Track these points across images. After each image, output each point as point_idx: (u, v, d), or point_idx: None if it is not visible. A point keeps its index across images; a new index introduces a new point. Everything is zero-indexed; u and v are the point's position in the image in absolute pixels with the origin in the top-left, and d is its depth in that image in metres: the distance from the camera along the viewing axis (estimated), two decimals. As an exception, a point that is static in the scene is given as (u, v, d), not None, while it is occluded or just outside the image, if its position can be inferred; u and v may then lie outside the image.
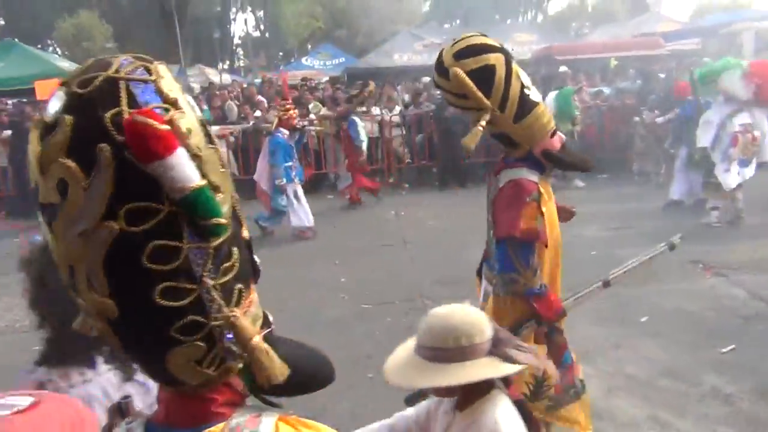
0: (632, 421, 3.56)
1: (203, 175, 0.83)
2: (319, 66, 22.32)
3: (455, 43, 2.47)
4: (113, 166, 0.77)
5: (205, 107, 11.60)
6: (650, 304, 5.21)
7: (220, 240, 0.87)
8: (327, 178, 11.72)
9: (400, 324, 5.16)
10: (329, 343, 4.82)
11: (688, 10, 33.94)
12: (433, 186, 11.15)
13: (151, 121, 0.76)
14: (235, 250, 0.90)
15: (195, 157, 0.82)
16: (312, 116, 11.28)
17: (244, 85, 15.87)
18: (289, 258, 7.29)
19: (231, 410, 0.94)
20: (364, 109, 10.45)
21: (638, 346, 4.48)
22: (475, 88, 2.37)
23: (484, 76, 2.39)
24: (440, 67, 2.46)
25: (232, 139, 10.86)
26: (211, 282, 0.86)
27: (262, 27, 34.55)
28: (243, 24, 36.03)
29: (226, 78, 23.30)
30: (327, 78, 19.81)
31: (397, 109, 11.80)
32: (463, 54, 2.41)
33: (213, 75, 23.66)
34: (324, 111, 11.40)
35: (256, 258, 1.01)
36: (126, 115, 0.77)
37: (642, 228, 7.49)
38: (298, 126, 8.26)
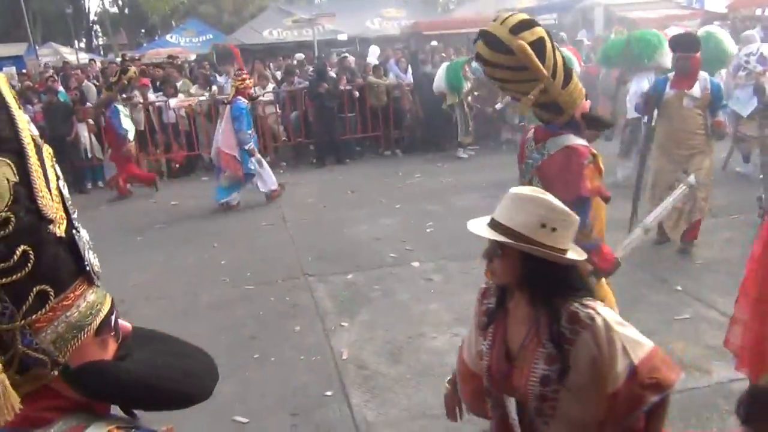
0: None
1: None
2: (185, 43, 21.41)
3: (503, 20, 2.59)
4: None
5: (61, 89, 10.78)
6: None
7: None
8: (201, 159, 11.32)
9: (284, 302, 5.13)
10: (211, 326, 4.73)
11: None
12: (310, 163, 11.09)
13: None
14: (23, 248, 0.82)
15: None
16: (180, 95, 10.82)
17: (105, 64, 14.90)
18: (166, 243, 7.01)
19: (57, 414, 0.89)
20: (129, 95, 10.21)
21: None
22: (536, 59, 2.54)
23: (539, 48, 2.57)
24: (498, 45, 2.57)
25: (91, 121, 10.17)
26: None
27: (120, 2, 32.47)
28: (99, 0, 33.68)
29: (84, 57, 21.80)
30: (194, 56, 19.07)
31: (270, 86, 11.56)
32: (518, 28, 2.55)
33: (69, 54, 22.07)
34: (195, 89, 10.97)
35: (90, 257, 0.93)
36: None
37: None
38: (253, 95, 8.51)
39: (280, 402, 3.77)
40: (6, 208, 0.80)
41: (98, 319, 0.93)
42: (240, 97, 8.02)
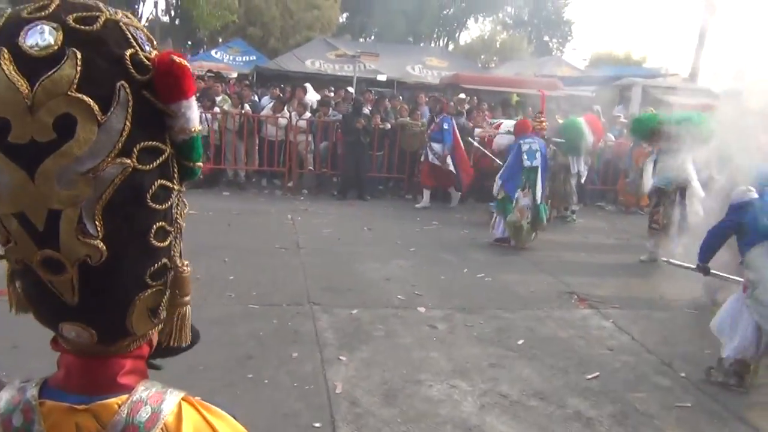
0: (501, 437, 3.70)
1: None
2: (228, 60, 21.81)
3: None
4: (132, 104, 0.78)
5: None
6: (527, 329, 5.46)
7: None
8: (225, 174, 11.45)
9: (286, 327, 5.10)
10: (210, 340, 4.69)
11: (586, 59, 36.39)
12: (331, 195, 11.16)
13: (185, 61, 0.81)
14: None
15: None
16: (217, 109, 11.00)
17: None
18: (177, 251, 7.02)
19: (137, 379, 0.90)
20: None
21: (513, 367, 4.68)
22: None
23: None
24: None
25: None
26: (183, 225, 0.91)
27: (172, 13, 33.33)
28: (152, 7, 34.76)
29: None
30: (236, 74, 19.41)
31: (307, 114, 11.73)
32: None
33: (114, 55, 22.57)
34: (228, 106, 11.15)
35: None
36: (141, 56, 0.80)
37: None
38: (545, 136, 9.10)
39: (267, 426, 3.71)
40: None
41: None
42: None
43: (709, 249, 4.86)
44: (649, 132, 8.21)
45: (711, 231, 4.90)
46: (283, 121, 11.27)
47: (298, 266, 6.79)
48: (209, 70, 16.93)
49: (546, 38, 40.75)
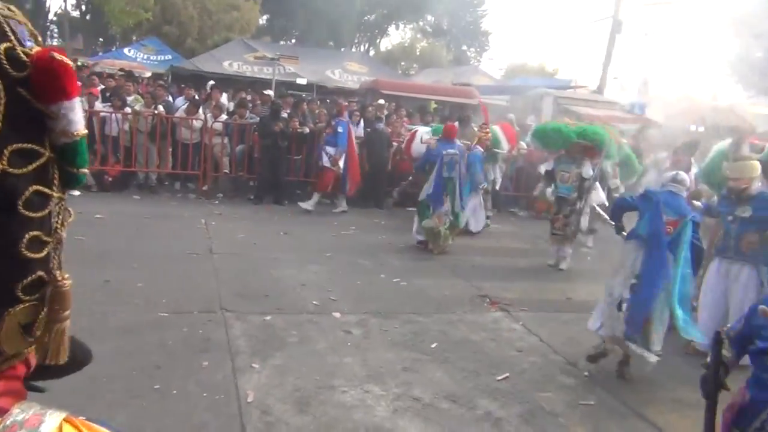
0: (412, 441, 3.74)
1: None
2: (142, 59, 21.09)
3: None
4: (4, 103, 0.73)
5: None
6: (440, 333, 5.55)
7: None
8: (136, 176, 11.03)
9: (196, 335, 4.96)
10: (115, 350, 4.51)
11: (502, 69, 37.58)
12: (247, 199, 10.96)
13: (67, 59, 0.76)
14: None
15: None
16: (128, 109, 10.60)
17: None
18: (81, 257, 6.69)
19: (11, 402, 0.83)
20: None
21: (426, 371, 4.74)
22: None
23: None
24: None
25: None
26: (64, 235, 0.84)
27: (83, 8, 31.93)
28: (61, 1, 33.05)
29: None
30: (149, 73, 18.82)
31: (223, 117, 11.47)
32: None
33: (17, 49, 21.39)
34: (140, 106, 10.76)
35: None
36: (18, 51, 0.75)
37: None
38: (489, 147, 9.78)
39: (173, 438, 3.60)
40: None
41: None
42: (478, 147, 9.30)
43: (614, 213, 5.50)
44: (559, 140, 8.41)
45: (617, 199, 5.71)
46: (198, 123, 10.99)
47: (210, 272, 6.62)
48: (121, 69, 16.37)
49: (464, 47, 41.68)
